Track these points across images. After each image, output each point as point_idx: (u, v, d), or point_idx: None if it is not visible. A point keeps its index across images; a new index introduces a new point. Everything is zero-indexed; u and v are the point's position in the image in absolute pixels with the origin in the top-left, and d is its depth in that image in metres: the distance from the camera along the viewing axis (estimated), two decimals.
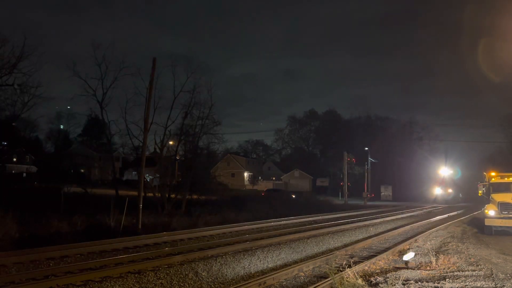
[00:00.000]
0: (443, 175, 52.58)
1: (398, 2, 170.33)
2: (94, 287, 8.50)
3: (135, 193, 20.94)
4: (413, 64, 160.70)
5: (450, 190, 50.62)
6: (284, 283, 9.48)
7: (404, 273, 9.76)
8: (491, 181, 19.40)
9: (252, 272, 10.71)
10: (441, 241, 15.92)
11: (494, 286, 8.59)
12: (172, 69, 29.36)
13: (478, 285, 8.65)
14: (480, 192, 20.59)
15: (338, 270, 10.00)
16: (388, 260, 12.29)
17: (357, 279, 8.71)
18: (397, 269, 10.71)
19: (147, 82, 21.24)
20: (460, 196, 55.76)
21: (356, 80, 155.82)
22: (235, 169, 72.99)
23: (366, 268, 10.89)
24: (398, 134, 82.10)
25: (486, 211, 18.38)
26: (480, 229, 19.74)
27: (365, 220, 25.81)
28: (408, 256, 11.95)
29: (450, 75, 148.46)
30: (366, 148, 64.03)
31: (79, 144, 68.96)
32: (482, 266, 10.67)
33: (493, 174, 19.68)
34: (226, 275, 10.13)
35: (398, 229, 20.69)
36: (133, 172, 58.99)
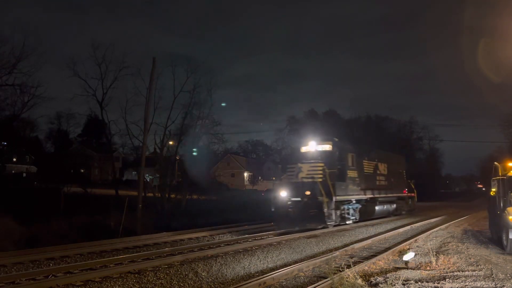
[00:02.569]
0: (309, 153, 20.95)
1: (399, 3, 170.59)
2: (94, 287, 8.50)
3: (135, 193, 20.94)
4: (414, 64, 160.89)
5: (307, 192, 18.31)
6: (284, 283, 9.48)
7: (404, 273, 9.74)
8: (508, 175, 13.99)
9: (252, 272, 10.71)
10: (441, 241, 15.90)
11: (494, 286, 8.58)
12: (172, 69, 29.43)
13: (478, 285, 8.65)
14: (493, 190, 15.54)
15: (337, 270, 9.98)
16: (388, 260, 12.28)
17: (356, 279, 8.71)
18: (397, 269, 10.69)
19: (147, 82, 21.32)
20: (338, 217, 19.40)
21: (356, 80, 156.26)
22: (235, 169, 72.98)
23: (366, 268, 10.88)
24: (398, 134, 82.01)
25: (510, 217, 12.76)
26: (497, 243, 14.57)
27: (365, 219, 25.75)
28: (408, 256, 11.92)
29: (450, 75, 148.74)
30: None
31: (79, 144, 68.92)
32: (482, 266, 10.66)
33: (511, 165, 14.46)
34: (226, 275, 10.13)
35: (398, 229, 20.66)
36: (133, 172, 58.98)
